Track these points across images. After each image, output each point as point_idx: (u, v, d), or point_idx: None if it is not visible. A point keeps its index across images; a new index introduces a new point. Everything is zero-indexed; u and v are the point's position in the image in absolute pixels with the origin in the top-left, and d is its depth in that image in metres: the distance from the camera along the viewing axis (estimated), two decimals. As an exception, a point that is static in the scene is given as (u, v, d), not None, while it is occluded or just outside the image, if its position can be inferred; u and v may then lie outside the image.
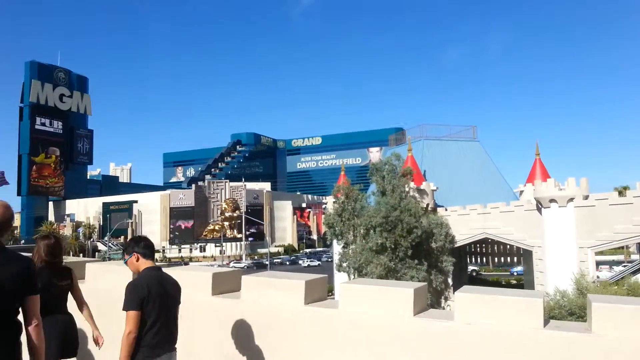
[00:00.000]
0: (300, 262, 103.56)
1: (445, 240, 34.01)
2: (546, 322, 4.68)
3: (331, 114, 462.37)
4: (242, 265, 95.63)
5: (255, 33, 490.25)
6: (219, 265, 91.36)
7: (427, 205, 40.54)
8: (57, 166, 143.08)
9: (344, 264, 33.76)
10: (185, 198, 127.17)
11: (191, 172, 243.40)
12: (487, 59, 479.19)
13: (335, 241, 38.76)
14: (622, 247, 60.86)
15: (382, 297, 5.16)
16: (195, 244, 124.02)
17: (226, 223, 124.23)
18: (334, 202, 37.05)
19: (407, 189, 34.82)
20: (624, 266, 59.73)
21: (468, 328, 4.73)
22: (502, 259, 52.13)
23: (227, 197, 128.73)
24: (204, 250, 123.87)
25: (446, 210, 41.46)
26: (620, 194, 31.27)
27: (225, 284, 6.11)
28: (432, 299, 31.12)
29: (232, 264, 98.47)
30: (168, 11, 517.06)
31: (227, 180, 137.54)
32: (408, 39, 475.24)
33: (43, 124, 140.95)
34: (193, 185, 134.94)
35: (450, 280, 34.58)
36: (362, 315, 5.15)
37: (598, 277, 32.76)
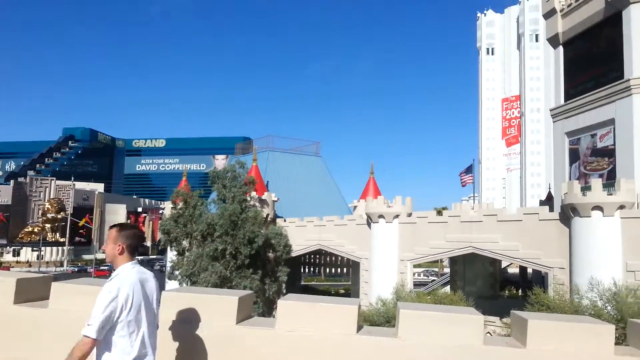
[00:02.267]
0: None
1: (283, 250, 34.74)
2: (359, 328, 4.99)
3: (178, 118, 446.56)
4: (64, 268, 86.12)
5: (103, 24, 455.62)
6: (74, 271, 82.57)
7: (267, 215, 41.13)
8: None
9: (177, 272, 32.61)
10: (2, 194, 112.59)
11: (11, 166, 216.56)
12: (341, 76, 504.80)
13: (169, 248, 37.35)
14: (437, 261, 67.75)
15: (206, 306, 5.07)
16: (8, 247, 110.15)
17: (48, 225, 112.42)
18: (172, 207, 35.70)
19: (249, 198, 34.95)
20: (430, 276, 66.93)
21: (288, 335, 4.85)
22: (334, 269, 54.84)
23: (51, 197, 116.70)
24: (18, 255, 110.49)
25: (285, 221, 42.47)
26: (439, 213, 34.87)
27: (31, 291, 5.51)
28: (264, 308, 31.44)
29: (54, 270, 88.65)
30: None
31: (54, 178, 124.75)
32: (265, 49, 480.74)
33: None
34: (12, 181, 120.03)
35: (284, 290, 35.30)
36: (185, 325, 5.00)
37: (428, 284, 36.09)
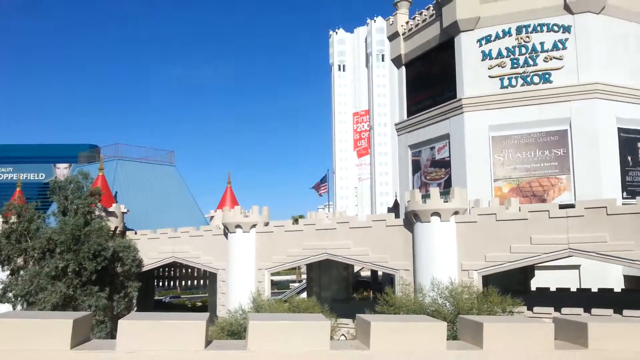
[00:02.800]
0: None
1: (132, 264, 32.81)
2: (209, 343, 4.84)
3: (11, 121, 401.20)
4: None
5: None
6: None
7: (116, 227, 38.64)
8: None
9: (9, 294, 29.14)
10: None
11: None
12: (198, 84, 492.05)
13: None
14: (295, 268, 69.23)
15: (35, 332, 4.56)
16: None
17: None
18: (2, 222, 31.85)
19: (94, 210, 32.48)
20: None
21: (130, 357, 4.55)
22: (190, 282, 53.17)
23: None
24: None
25: (136, 233, 40.23)
26: (296, 222, 35.59)
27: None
28: (112, 328, 29.38)
29: None
30: None
31: None
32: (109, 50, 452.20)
33: None
34: None
35: (135, 307, 33.39)
36: (10, 355, 4.45)
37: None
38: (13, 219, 30.66)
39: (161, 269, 48.65)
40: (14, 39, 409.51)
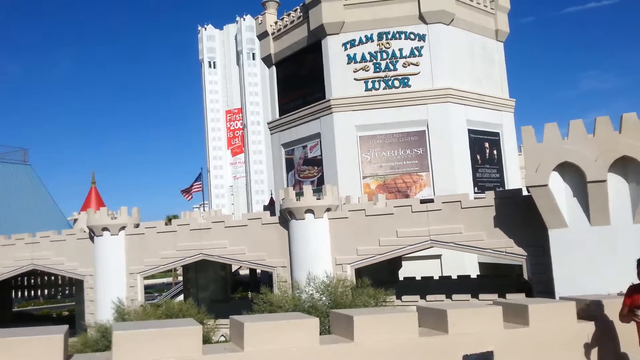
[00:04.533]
0: None
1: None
2: (69, 357, 4.50)
3: None
4: None
5: None
6: None
7: (-39, 235, 34.38)
8: None
9: None
10: None
11: None
12: (51, 76, 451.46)
13: None
14: (171, 270, 66.74)
15: None
16: None
17: None
18: None
19: None
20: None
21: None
22: (54, 290, 49.21)
23: None
24: None
25: (-14, 240, 36.14)
26: (169, 222, 34.30)
27: None
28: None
29: None
30: None
31: None
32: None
33: None
34: None
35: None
36: None
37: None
38: None
39: (19, 278, 44.33)
40: None
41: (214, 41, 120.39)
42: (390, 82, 37.05)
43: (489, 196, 23.78)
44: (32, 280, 47.35)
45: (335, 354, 5.27)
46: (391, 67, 37.11)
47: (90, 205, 40.12)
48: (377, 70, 37.27)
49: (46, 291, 49.32)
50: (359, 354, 5.28)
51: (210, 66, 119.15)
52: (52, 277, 46.03)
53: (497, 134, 39.43)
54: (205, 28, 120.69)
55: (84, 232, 33.60)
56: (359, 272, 26.32)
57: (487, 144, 38.53)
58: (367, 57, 37.37)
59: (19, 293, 48.63)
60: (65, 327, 4.67)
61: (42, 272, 41.24)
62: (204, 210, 65.89)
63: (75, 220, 43.78)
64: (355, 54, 37.54)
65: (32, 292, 49.43)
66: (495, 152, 39.15)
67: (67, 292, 48.92)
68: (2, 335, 4.35)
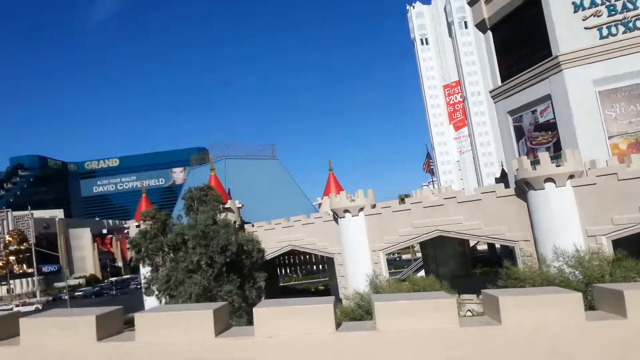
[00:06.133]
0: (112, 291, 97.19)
1: (257, 255, 34.68)
2: (339, 325, 5.02)
3: (128, 135, 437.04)
4: (32, 307, 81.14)
5: (36, 50, 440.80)
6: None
7: (235, 222, 40.86)
8: None
9: (153, 287, 32.14)
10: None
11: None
12: (280, 77, 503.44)
13: (141, 265, 36.75)
14: (409, 247, 68.72)
15: (182, 323, 5.00)
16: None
17: (12, 257, 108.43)
18: (136, 225, 35.12)
19: (220, 207, 35.04)
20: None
21: (268, 341, 4.85)
22: (310, 267, 54.95)
23: (10, 229, 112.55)
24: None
25: (253, 226, 42.23)
26: (402, 201, 35.35)
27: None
28: (247, 316, 31.30)
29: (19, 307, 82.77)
30: None
31: (9, 210, 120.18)
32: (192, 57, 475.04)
33: None
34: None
35: (263, 294, 35.23)
36: (163, 346, 4.91)
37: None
38: (148, 222, 33.74)
39: (281, 257, 50.74)
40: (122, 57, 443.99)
41: (423, 18, 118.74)
42: (630, 24, 31.58)
43: None
44: (292, 259, 53.75)
45: (604, 330, 4.81)
46: (630, 6, 31.56)
47: (331, 190, 43.60)
48: (612, 13, 32.04)
49: (303, 268, 55.49)
50: (632, 331, 4.72)
51: (422, 43, 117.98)
52: (307, 256, 51.49)
53: None
54: (413, 6, 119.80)
55: (329, 215, 36.79)
56: (616, 244, 23.38)
57: None
58: (598, 0, 32.45)
59: (282, 270, 55.80)
60: (333, 297, 5.21)
61: (299, 252, 46.43)
62: (434, 188, 65.85)
63: (320, 204, 48.09)
64: (582, 0, 32.95)
65: (293, 269, 56.27)
66: None
67: (320, 268, 54.28)
68: (287, 304, 5.04)
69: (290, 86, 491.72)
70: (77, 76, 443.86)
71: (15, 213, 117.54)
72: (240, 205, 44.08)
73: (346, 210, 34.21)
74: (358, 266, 33.29)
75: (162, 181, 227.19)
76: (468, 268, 40.47)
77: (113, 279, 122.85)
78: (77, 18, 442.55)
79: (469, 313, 22.02)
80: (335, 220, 35.62)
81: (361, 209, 33.92)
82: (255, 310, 4.99)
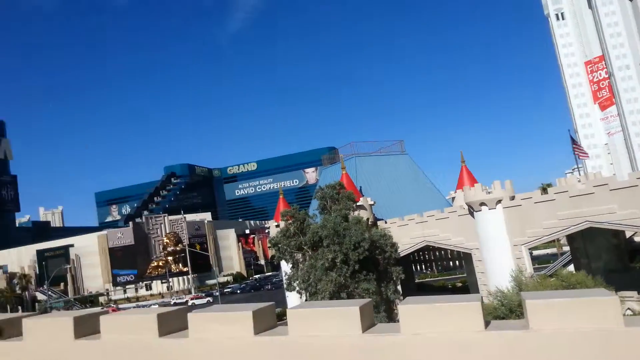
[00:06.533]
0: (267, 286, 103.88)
1: (391, 251, 34.72)
2: (487, 324, 4.88)
3: (263, 139, 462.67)
4: (204, 300, 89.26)
5: (179, 63, 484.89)
6: (175, 303, 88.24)
7: (367, 219, 41.25)
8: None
9: (294, 283, 33.75)
10: (124, 236, 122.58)
11: (127, 209, 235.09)
12: (408, 72, 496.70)
13: (283, 262, 38.68)
14: (554, 241, 64.18)
15: (329, 319, 5.20)
16: (141, 283, 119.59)
17: (170, 258, 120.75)
18: (276, 225, 37.05)
19: (353, 205, 35.76)
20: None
21: (415, 339, 4.86)
22: (445, 263, 53.72)
23: (167, 232, 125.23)
24: (150, 288, 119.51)
25: (386, 222, 42.29)
26: (544, 191, 33.09)
27: (171, 324, 5.96)
28: (384, 312, 31.55)
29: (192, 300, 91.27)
30: (83, 51, 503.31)
31: (166, 214, 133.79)
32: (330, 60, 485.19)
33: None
34: (130, 223, 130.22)
35: (400, 291, 35.21)
36: (312, 339, 5.16)
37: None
38: (282, 224, 35.51)
39: (416, 254, 50.30)
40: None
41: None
42: None
43: None
44: (426, 255, 52.98)
45: None
46: None
47: (464, 183, 42.17)
48: None
49: (438, 265, 54.42)
50: None
51: (558, 18, 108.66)
52: (442, 252, 50.41)
53: None
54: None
55: (463, 208, 35.62)
56: None
57: None
58: None
59: (417, 267, 55.22)
60: (479, 295, 5.08)
61: (433, 247, 45.63)
62: (579, 175, 60.62)
63: (453, 198, 46.74)
64: None
65: (428, 266, 55.45)
66: None
67: (457, 264, 52.82)
68: (432, 301, 5.02)
69: (414, 79, 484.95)
70: (219, 86, 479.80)
71: (171, 217, 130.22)
72: (372, 203, 44.40)
73: (482, 203, 32.86)
74: (498, 262, 31.82)
75: (296, 182, 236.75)
76: (625, 262, 36.67)
77: (257, 275, 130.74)
78: (212, 28, 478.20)
79: (628, 312, 19.97)
80: (471, 214, 34.38)
81: (499, 202, 32.36)
82: (400, 307, 5.03)
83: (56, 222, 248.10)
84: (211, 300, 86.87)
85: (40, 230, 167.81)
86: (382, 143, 60.30)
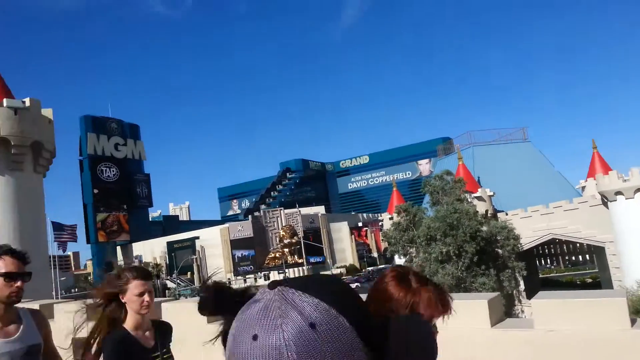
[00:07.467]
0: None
1: (512, 244, 33.14)
2: (633, 322, 4.52)
3: (374, 132, 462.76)
4: None
5: (291, 61, 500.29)
6: None
7: (487, 211, 39.67)
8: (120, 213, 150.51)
9: (409, 277, 33.59)
10: (244, 229, 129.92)
11: (246, 203, 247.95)
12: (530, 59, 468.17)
13: (396, 255, 38.51)
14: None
15: (458, 312, 5.09)
16: (259, 273, 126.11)
17: (286, 250, 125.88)
18: (390, 218, 36.99)
19: (463, 195, 34.60)
20: None
21: (550, 335, 4.64)
22: (573, 257, 50.36)
23: (283, 225, 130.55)
24: (268, 279, 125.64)
25: (507, 214, 40.40)
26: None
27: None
28: (505, 307, 30.26)
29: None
30: (204, 55, 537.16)
31: (282, 208, 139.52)
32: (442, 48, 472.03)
33: (102, 173, 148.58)
34: (249, 216, 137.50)
35: (522, 286, 33.52)
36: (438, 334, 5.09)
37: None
38: (395, 217, 35.38)
39: (540, 247, 47.64)
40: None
41: None
42: None
43: None
44: (552, 249, 49.84)
45: None
46: None
47: (596, 171, 38.91)
48: None
49: (565, 259, 50.97)
50: None
51: None
52: (570, 245, 47.12)
53: None
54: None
55: (595, 198, 32.96)
56: None
57: None
58: None
59: (541, 261, 52.15)
60: (624, 290, 4.71)
61: (560, 240, 42.81)
62: None
63: (583, 187, 43.37)
64: None
65: (553, 260, 52.14)
66: None
67: (587, 258, 49.15)
68: (568, 296, 4.77)
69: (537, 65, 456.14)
70: (329, 84, 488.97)
71: (287, 211, 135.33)
72: (491, 194, 42.57)
73: (618, 192, 30.13)
74: (636, 256, 29.04)
75: (409, 174, 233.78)
76: None
77: (370, 268, 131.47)
78: (325, 24, 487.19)
79: None
80: (605, 204, 31.69)
81: (637, 190, 29.48)
82: (533, 301, 4.82)
83: (184, 216, 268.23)
84: None
85: (169, 224, 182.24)
86: (502, 131, 57.48)
